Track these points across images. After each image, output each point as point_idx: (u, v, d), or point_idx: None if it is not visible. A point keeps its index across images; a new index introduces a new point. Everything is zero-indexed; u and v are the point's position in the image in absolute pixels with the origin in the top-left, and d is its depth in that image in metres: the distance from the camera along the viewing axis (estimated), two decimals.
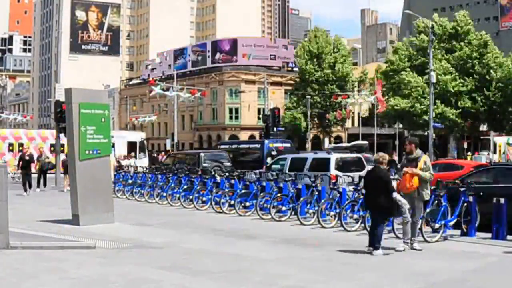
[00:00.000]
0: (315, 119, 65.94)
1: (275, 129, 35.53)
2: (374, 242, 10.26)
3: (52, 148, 34.25)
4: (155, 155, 52.53)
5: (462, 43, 54.83)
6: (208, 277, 8.62)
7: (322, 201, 14.17)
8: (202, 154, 28.00)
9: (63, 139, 23.93)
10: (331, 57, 66.57)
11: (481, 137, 56.43)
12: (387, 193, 10.28)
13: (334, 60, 66.48)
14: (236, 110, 76.22)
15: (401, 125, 63.54)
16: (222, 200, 16.66)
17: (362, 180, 12.65)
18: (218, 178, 18.61)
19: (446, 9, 60.36)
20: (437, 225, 11.63)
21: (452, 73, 52.68)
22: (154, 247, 11.18)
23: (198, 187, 18.31)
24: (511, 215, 11.67)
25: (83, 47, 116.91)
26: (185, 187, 18.83)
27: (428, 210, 11.77)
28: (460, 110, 52.69)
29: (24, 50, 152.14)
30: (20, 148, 36.07)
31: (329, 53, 66.97)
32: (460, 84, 52.65)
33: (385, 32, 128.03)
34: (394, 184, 10.77)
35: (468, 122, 54.34)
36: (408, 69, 54.75)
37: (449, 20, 57.54)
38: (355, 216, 13.23)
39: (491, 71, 53.37)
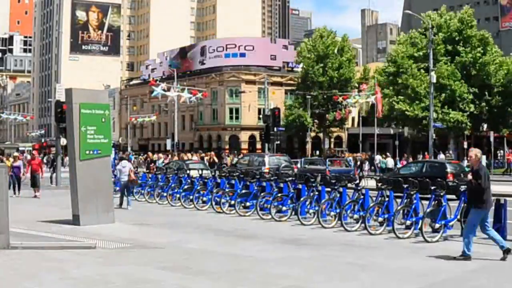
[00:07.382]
0: (315, 119, 65.66)
1: (275, 129, 35.39)
2: None
3: None
4: None
5: (465, 48, 53.57)
6: (208, 277, 8.62)
7: (323, 201, 14.17)
8: None
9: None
10: (336, 60, 64.97)
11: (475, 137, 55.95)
12: None
13: (340, 63, 64.99)
14: (237, 110, 76.12)
15: (401, 126, 63.32)
16: (223, 200, 16.68)
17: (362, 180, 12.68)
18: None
19: (447, 10, 60.39)
20: (437, 225, 11.63)
21: (458, 78, 51.99)
22: (155, 247, 11.18)
23: (198, 187, 18.31)
24: None
25: (83, 47, 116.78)
26: (186, 187, 18.83)
27: (428, 210, 11.78)
28: (464, 112, 52.18)
29: (25, 50, 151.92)
30: None
31: (335, 56, 65.33)
32: (465, 91, 52.06)
33: (385, 32, 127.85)
34: None
35: (470, 123, 53.85)
36: (413, 67, 53.01)
37: (452, 17, 56.20)
38: (356, 216, 13.25)
39: (490, 77, 52.50)
